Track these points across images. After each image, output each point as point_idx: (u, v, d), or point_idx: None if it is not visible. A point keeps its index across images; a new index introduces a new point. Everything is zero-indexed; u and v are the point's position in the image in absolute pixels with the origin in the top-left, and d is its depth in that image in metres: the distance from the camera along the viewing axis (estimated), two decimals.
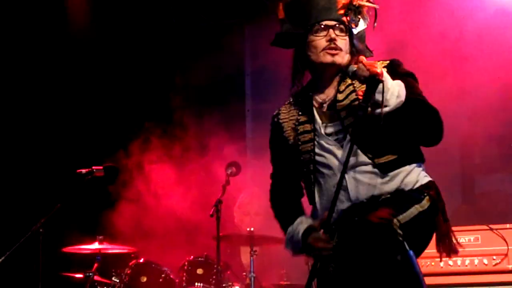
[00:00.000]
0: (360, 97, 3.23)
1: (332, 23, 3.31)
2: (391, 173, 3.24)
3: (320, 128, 3.33)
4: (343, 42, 3.31)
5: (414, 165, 3.30)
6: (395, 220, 3.11)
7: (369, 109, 3.15)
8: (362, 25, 3.32)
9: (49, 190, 6.97)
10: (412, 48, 6.15)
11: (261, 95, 7.71)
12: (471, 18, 6.65)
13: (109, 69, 7.61)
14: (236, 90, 7.94)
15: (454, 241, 3.33)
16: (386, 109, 3.12)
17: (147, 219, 6.99)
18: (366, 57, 3.26)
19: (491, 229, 5.49)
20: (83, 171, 5.74)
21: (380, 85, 3.10)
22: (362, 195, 3.23)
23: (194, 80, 7.73)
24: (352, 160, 3.22)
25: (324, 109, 3.36)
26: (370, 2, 3.31)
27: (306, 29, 3.34)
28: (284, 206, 3.51)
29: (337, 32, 3.31)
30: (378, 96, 3.11)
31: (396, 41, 5.90)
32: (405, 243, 3.07)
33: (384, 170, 3.24)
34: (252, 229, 5.88)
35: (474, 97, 6.58)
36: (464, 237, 5.59)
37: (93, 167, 5.76)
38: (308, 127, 3.37)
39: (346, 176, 3.22)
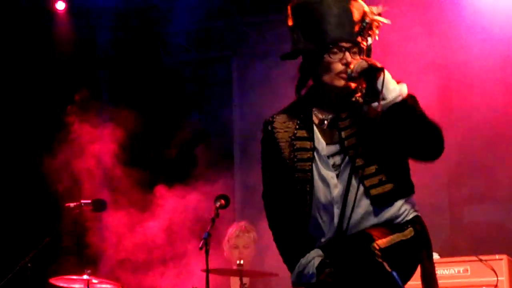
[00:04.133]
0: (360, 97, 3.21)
1: (348, 44, 3.23)
2: (384, 207, 3.22)
3: (322, 149, 3.26)
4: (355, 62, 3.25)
5: (405, 199, 3.27)
6: (374, 244, 3.12)
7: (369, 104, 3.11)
8: (370, 40, 3.29)
9: (37, 224, 6.94)
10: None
11: (249, 127, 7.72)
12: (461, 49, 6.70)
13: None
14: (224, 121, 7.94)
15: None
16: (384, 102, 3.10)
17: (135, 252, 6.96)
18: None
19: (481, 260, 5.48)
20: (71, 204, 5.74)
21: (381, 76, 3.08)
22: (350, 227, 3.19)
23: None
24: (346, 190, 3.17)
25: (325, 127, 3.29)
26: (381, 17, 3.29)
27: (320, 47, 3.23)
28: (288, 233, 3.35)
29: (352, 54, 3.22)
30: (379, 85, 3.08)
31: None
32: (386, 264, 3.07)
33: (378, 202, 3.21)
34: (241, 261, 5.87)
35: (462, 127, 6.61)
36: (453, 268, 5.58)
37: (82, 201, 5.75)
38: (307, 144, 3.28)
39: (338, 207, 3.20)
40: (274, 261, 6.19)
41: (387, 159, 3.22)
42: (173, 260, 6.96)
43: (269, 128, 3.38)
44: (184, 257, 6.82)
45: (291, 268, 3.32)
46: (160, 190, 7.00)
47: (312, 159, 3.26)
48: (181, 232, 6.91)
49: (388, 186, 3.22)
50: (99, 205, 5.87)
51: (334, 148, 3.26)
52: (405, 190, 3.28)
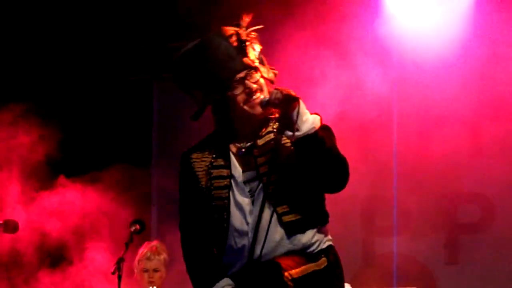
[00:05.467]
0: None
1: (243, 74, 3.28)
2: (296, 235, 3.24)
3: (238, 175, 3.29)
4: (259, 81, 3.30)
5: (318, 228, 3.30)
6: (286, 273, 3.14)
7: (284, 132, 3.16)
8: (257, 49, 3.33)
9: None
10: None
11: (168, 152, 7.69)
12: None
13: None
14: (143, 146, 7.90)
15: None
16: (298, 133, 3.14)
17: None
18: (274, 75, 3.33)
19: None
20: None
21: (296, 107, 3.12)
22: (262, 254, 3.21)
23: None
24: (259, 216, 3.21)
25: (242, 154, 3.32)
26: (254, 29, 3.33)
27: (220, 92, 3.28)
28: (201, 263, 3.35)
29: (250, 78, 3.28)
30: (293, 116, 3.13)
31: None
32: None
33: (290, 230, 3.23)
34: (154, 287, 5.82)
35: (372, 158, 6.71)
36: None
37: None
38: (224, 172, 3.30)
39: (251, 232, 3.22)
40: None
41: (299, 187, 3.26)
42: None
43: (186, 159, 3.39)
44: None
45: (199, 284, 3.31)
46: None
47: (229, 187, 3.29)
48: None
49: (300, 214, 3.25)
50: (11, 227, 5.76)
51: (250, 174, 3.28)
52: (318, 219, 3.31)
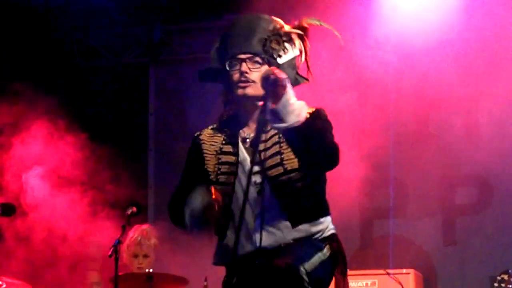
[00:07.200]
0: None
1: (245, 56, 3.30)
2: (300, 224, 3.28)
3: (246, 165, 3.32)
4: (256, 74, 3.29)
5: (322, 219, 3.34)
6: (302, 268, 3.18)
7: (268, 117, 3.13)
8: (291, 53, 3.32)
9: None
10: None
11: (165, 136, 7.69)
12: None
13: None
14: (140, 129, 7.88)
15: None
16: (282, 125, 3.12)
17: (38, 260, 6.83)
18: (299, 83, 3.34)
19: (388, 274, 5.59)
20: None
21: (284, 95, 3.09)
22: (268, 242, 3.25)
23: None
24: (265, 206, 3.24)
25: (247, 145, 3.36)
26: (299, 29, 3.33)
27: (223, 63, 3.35)
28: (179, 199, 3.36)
29: (250, 65, 3.30)
30: (280, 106, 3.10)
31: None
32: None
33: (294, 222, 3.27)
34: (151, 270, 5.81)
35: (370, 140, 6.71)
36: (361, 281, 5.67)
37: None
38: (232, 159, 3.34)
39: (256, 221, 3.25)
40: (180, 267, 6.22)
41: (302, 179, 3.29)
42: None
43: (197, 139, 3.45)
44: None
45: (180, 215, 3.29)
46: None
47: (235, 173, 3.32)
48: None
49: (303, 206, 3.29)
50: (7, 209, 5.75)
51: (256, 167, 3.29)
52: (320, 210, 3.36)
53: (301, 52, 3.35)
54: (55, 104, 6.91)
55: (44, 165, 6.79)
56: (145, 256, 6.01)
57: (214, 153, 3.38)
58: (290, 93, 3.11)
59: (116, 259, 5.50)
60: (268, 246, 3.25)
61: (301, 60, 3.37)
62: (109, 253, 5.49)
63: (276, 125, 3.13)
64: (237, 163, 3.33)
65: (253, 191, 3.29)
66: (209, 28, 7.34)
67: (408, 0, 6.74)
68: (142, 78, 7.92)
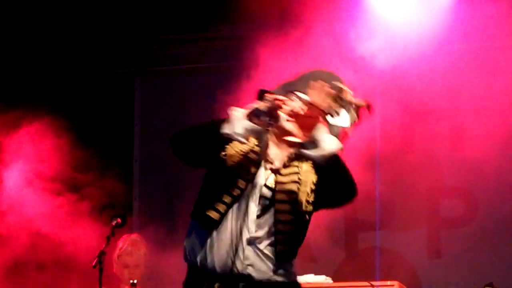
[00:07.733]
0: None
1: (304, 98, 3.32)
2: (281, 263, 3.31)
3: (259, 185, 3.30)
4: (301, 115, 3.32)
5: (293, 260, 3.38)
6: None
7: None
8: (343, 121, 3.34)
9: None
10: None
11: (150, 146, 7.67)
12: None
13: None
14: (125, 140, 7.86)
15: None
16: (322, 152, 3.22)
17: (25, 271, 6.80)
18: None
19: (372, 286, 5.57)
20: None
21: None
22: (255, 273, 3.27)
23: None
24: (259, 233, 3.26)
25: (266, 169, 3.34)
26: (363, 103, 3.38)
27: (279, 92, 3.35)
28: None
29: (301, 105, 3.31)
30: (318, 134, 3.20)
31: None
32: None
33: (280, 258, 3.29)
34: (135, 281, 5.77)
35: (355, 153, 6.71)
36: None
37: None
38: (252, 169, 3.29)
39: (245, 241, 3.26)
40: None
41: (301, 223, 3.32)
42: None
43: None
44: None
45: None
46: None
47: (249, 181, 3.28)
48: None
49: (291, 246, 3.32)
50: None
51: (266, 192, 3.30)
52: (295, 252, 3.37)
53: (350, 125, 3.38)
54: (41, 113, 6.90)
55: (26, 167, 6.79)
56: (136, 266, 5.96)
57: (241, 152, 3.31)
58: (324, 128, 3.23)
59: (100, 270, 5.48)
60: (256, 276, 3.26)
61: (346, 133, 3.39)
62: (93, 263, 5.48)
63: (310, 152, 3.20)
64: (253, 176, 3.29)
65: (254, 209, 3.28)
66: (195, 39, 7.35)
67: (394, 14, 6.75)
68: (128, 88, 7.92)
